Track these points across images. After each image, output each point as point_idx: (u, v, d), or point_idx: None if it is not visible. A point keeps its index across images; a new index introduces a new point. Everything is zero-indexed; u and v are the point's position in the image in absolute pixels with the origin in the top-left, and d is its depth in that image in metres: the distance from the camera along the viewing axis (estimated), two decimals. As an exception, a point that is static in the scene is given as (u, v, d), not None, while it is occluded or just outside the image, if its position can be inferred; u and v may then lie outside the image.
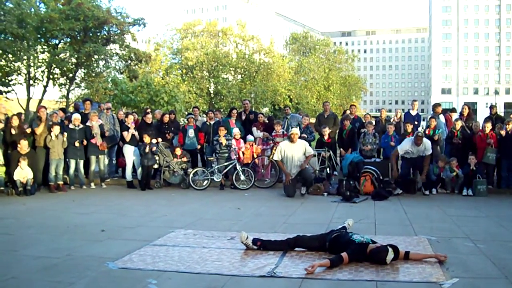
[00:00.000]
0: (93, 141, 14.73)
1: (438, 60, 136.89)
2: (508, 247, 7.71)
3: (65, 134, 14.35)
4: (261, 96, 49.58)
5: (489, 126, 14.30)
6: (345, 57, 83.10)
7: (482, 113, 66.67)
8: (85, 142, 14.58)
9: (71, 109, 22.92)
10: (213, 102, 50.74)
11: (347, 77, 75.33)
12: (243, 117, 17.09)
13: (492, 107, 16.68)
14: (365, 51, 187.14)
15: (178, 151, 15.36)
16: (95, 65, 33.57)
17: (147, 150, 14.65)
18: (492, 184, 14.28)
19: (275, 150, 15.28)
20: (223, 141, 14.89)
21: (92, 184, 15.09)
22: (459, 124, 14.77)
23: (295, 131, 13.07)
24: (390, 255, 6.53)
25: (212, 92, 52.58)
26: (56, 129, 14.10)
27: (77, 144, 14.42)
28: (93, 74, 33.85)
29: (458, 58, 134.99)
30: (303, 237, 7.47)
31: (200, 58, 51.09)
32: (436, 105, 16.79)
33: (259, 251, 7.28)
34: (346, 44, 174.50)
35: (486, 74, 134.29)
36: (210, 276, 6.17)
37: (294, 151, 13.18)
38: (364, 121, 16.25)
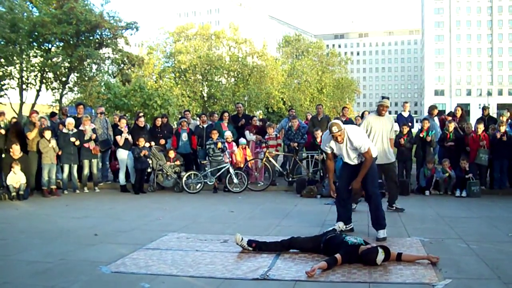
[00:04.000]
0: (86, 145, 14.72)
1: (431, 61, 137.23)
2: (501, 247, 7.74)
3: (55, 139, 14.35)
4: (255, 99, 49.55)
5: (481, 127, 14.36)
6: (338, 60, 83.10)
7: (475, 114, 66.90)
8: (77, 143, 14.52)
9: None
10: (206, 106, 50.70)
11: (340, 79, 75.36)
12: (241, 122, 17.10)
13: (484, 108, 16.74)
14: (358, 54, 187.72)
15: (172, 153, 15.37)
16: (88, 69, 33.56)
17: (142, 154, 14.65)
18: (485, 185, 14.35)
19: (267, 153, 15.35)
20: (219, 144, 14.88)
21: (85, 188, 15.07)
22: (452, 126, 14.81)
23: (386, 102, 10.88)
24: (381, 255, 6.55)
25: (205, 95, 52.54)
26: (47, 134, 14.09)
27: (73, 140, 14.41)
28: (86, 78, 33.84)
29: (451, 60, 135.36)
30: (297, 238, 7.50)
31: (193, 61, 51.04)
32: (432, 107, 16.81)
33: (252, 254, 7.28)
34: (339, 46, 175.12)
35: (478, 76, 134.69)
36: (203, 279, 6.18)
37: (382, 125, 10.83)
38: (355, 123, 16.24)
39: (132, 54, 36.45)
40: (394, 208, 11.04)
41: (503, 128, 14.20)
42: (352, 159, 8.42)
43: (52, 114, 18.28)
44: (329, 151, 8.55)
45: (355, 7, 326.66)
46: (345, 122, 15.96)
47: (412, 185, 14.63)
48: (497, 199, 12.80)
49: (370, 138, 10.16)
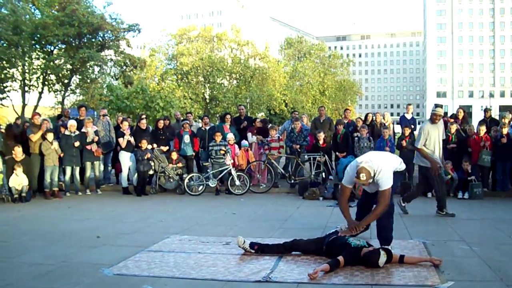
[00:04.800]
0: (88, 147, 14.72)
1: (433, 63, 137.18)
2: (503, 249, 7.74)
3: (57, 141, 14.36)
4: (257, 101, 49.54)
5: (483, 129, 14.39)
6: (340, 62, 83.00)
7: (477, 116, 66.83)
8: (77, 144, 14.51)
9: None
10: (208, 108, 50.70)
11: (342, 81, 75.21)
12: (243, 124, 17.10)
13: (486, 110, 16.75)
14: (360, 55, 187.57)
15: (175, 155, 15.40)
16: (90, 71, 33.56)
17: (145, 157, 14.67)
18: (487, 187, 14.35)
19: (269, 155, 15.34)
20: (222, 151, 14.86)
21: (88, 190, 15.06)
22: (454, 128, 14.82)
23: (440, 111, 10.96)
24: (383, 258, 6.55)
25: (207, 97, 52.54)
26: (49, 136, 14.10)
27: (76, 144, 14.43)
28: (88, 80, 33.86)
29: (453, 62, 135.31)
30: (300, 241, 7.50)
31: (195, 63, 51.03)
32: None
33: (255, 256, 7.28)
34: (341, 48, 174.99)
35: (480, 77, 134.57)
36: (206, 281, 6.18)
37: (438, 132, 10.98)
38: (356, 124, 16.23)
39: (134, 56, 36.43)
40: (444, 213, 10.94)
41: (505, 130, 14.23)
42: (371, 190, 7.79)
43: (59, 117, 18.30)
44: (349, 187, 7.76)
45: (357, 9, 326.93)
46: (347, 124, 16.02)
47: (413, 187, 14.62)
48: (499, 201, 12.79)
49: (427, 145, 10.78)
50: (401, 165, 7.88)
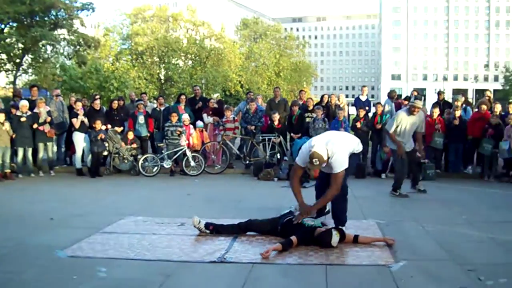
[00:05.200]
0: (41, 128, 14.49)
1: (388, 46, 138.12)
2: (455, 230, 7.90)
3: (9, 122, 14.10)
4: (212, 82, 49.43)
5: (436, 111, 14.60)
6: (296, 43, 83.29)
7: (431, 99, 67.59)
8: (35, 126, 14.31)
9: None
10: (163, 88, 50.40)
11: (298, 62, 75.38)
12: (198, 105, 17.03)
13: (439, 93, 17.03)
14: (316, 37, 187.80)
15: (131, 135, 15.28)
16: (42, 50, 33.10)
17: (99, 137, 14.53)
18: (440, 168, 14.61)
19: (224, 136, 15.35)
20: (178, 131, 14.82)
21: (41, 172, 14.87)
22: (407, 110, 15.02)
23: (418, 103, 10.96)
24: (335, 237, 6.63)
25: (162, 78, 52.22)
26: (1, 117, 13.83)
27: (21, 119, 14.16)
28: (41, 60, 33.37)
29: (408, 45, 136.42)
30: (255, 221, 7.52)
31: (150, 43, 50.63)
32: (393, 91, 17.15)
33: (210, 237, 7.30)
34: (297, 30, 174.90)
35: (434, 61, 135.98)
36: (160, 262, 6.18)
37: (411, 122, 11.12)
38: (308, 105, 16.27)
39: (88, 35, 36.06)
40: (398, 194, 11.17)
41: (458, 113, 14.48)
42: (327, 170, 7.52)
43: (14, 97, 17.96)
44: (303, 166, 7.61)
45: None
46: (303, 105, 16.08)
47: (368, 168, 14.83)
48: (452, 182, 13.02)
49: (398, 132, 10.98)
50: (358, 146, 7.79)
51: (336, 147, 7.15)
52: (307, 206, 7.53)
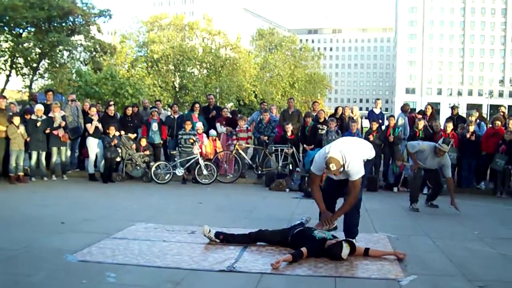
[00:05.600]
0: (55, 132, 14.56)
1: (403, 60, 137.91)
2: (466, 245, 7.86)
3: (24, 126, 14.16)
4: (226, 91, 49.51)
5: (450, 126, 14.55)
6: (311, 55, 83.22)
7: (445, 113, 67.50)
8: (48, 130, 14.37)
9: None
10: (178, 96, 50.52)
11: (312, 74, 75.28)
12: (211, 114, 17.06)
13: (453, 107, 16.96)
14: (331, 49, 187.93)
15: (144, 142, 15.34)
16: (59, 55, 33.27)
17: (113, 143, 14.58)
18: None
19: (237, 145, 15.35)
20: (191, 140, 14.85)
21: (54, 176, 14.92)
22: (421, 124, 14.99)
23: (445, 148, 10.87)
24: (345, 250, 6.61)
25: (177, 86, 52.35)
26: (16, 120, 13.91)
27: (37, 124, 14.20)
28: (57, 65, 33.56)
29: (423, 59, 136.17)
30: (265, 231, 7.51)
31: (166, 51, 50.78)
32: (406, 105, 17.14)
33: (219, 246, 7.29)
34: (312, 41, 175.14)
35: (449, 75, 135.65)
36: (170, 270, 6.17)
37: (434, 162, 11.15)
38: (319, 117, 16.27)
39: (104, 42, 36.22)
40: (429, 204, 11.61)
41: (471, 128, 14.42)
42: (340, 178, 7.51)
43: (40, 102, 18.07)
44: (319, 174, 7.59)
45: (329, 3, 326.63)
46: (316, 117, 16.05)
47: (380, 182, 14.78)
48: (464, 198, 12.90)
49: (419, 158, 11.18)
50: (371, 152, 7.73)
51: (350, 153, 7.13)
52: (329, 214, 7.55)
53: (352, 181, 7.23)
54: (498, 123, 14.55)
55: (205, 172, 14.80)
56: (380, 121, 16.34)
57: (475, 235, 8.70)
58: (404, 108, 16.82)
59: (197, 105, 17.00)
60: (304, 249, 6.62)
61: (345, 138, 8.77)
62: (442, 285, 5.78)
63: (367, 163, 7.58)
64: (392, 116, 15.88)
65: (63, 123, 14.72)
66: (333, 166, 6.90)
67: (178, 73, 51.91)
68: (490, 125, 15.33)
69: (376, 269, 6.37)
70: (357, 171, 7.20)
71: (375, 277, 6.09)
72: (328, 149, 7.21)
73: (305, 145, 15.75)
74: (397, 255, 6.86)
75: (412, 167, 11.38)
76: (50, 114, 14.65)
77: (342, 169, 7.05)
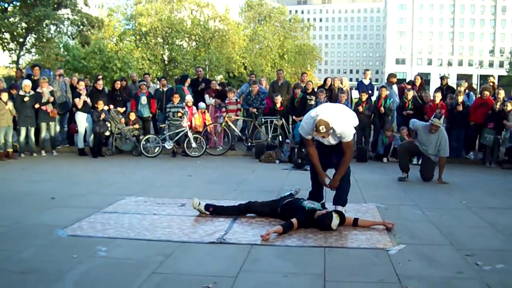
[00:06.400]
0: (43, 108, 14.48)
1: (393, 30, 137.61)
2: (455, 215, 7.95)
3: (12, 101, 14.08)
4: (216, 63, 49.24)
5: (439, 96, 14.61)
6: (301, 26, 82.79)
7: (435, 84, 67.28)
8: (37, 106, 14.29)
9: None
10: (167, 69, 50.25)
11: (302, 45, 74.95)
12: (201, 86, 17.05)
13: (442, 78, 17.00)
14: (320, 20, 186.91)
15: (133, 116, 15.31)
16: (45, 30, 32.99)
17: (100, 117, 14.53)
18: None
19: (227, 118, 15.33)
20: (179, 114, 14.82)
21: (43, 151, 14.88)
22: (410, 94, 15.02)
23: (437, 122, 10.95)
24: (335, 220, 6.65)
25: (166, 59, 52.02)
26: (4, 96, 13.81)
27: (25, 99, 14.13)
28: (44, 40, 33.27)
29: (413, 29, 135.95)
30: (254, 203, 7.57)
31: (154, 24, 50.33)
32: (391, 75, 17.05)
33: (209, 218, 7.33)
34: (302, 12, 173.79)
35: (440, 46, 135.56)
36: (160, 242, 6.20)
37: (427, 139, 11.26)
38: (307, 88, 16.30)
39: (91, 15, 35.95)
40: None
41: (460, 98, 14.46)
42: (330, 143, 7.62)
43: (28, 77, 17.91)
44: (309, 138, 7.59)
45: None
46: (305, 88, 16.04)
47: (369, 152, 14.84)
48: (453, 168, 12.97)
49: (419, 140, 11.41)
50: (355, 120, 7.75)
51: (338, 115, 7.21)
52: (325, 175, 7.68)
53: (346, 143, 7.34)
54: (487, 93, 14.58)
55: (194, 145, 14.80)
56: (370, 92, 16.33)
57: (463, 204, 8.78)
58: (389, 79, 16.80)
59: (188, 80, 17.03)
60: (294, 220, 6.66)
61: (329, 103, 8.84)
62: (431, 254, 5.83)
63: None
64: (384, 86, 15.86)
65: (52, 99, 14.61)
66: (323, 129, 6.93)
67: (167, 46, 51.52)
68: (479, 96, 15.35)
69: (365, 239, 6.42)
70: (349, 133, 7.30)
71: (364, 247, 6.14)
72: (316, 112, 7.20)
73: (294, 117, 15.77)
74: (386, 225, 6.92)
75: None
76: (38, 90, 14.53)
77: (331, 131, 7.10)
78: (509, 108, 13.69)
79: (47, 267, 5.29)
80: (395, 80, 16.72)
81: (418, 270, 5.33)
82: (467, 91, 15.82)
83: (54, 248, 5.98)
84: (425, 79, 18.78)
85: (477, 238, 6.60)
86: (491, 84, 16.26)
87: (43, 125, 14.72)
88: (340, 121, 7.16)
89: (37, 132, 14.89)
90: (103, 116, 14.60)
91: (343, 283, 4.98)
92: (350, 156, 7.56)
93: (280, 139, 15.30)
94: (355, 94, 18.71)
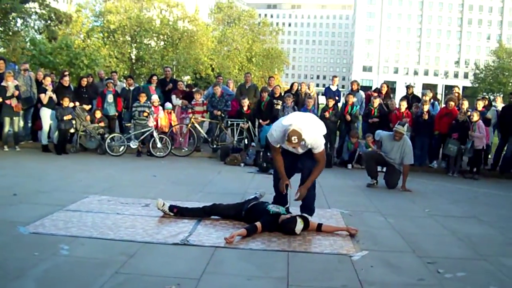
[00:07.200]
0: (8, 102, 14.29)
1: (361, 38, 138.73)
2: (417, 222, 8.07)
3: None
4: (183, 64, 49.11)
5: (404, 104, 14.79)
6: (270, 30, 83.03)
7: (401, 92, 68.16)
8: (0, 100, 14.10)
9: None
10: (134, 68, 49.96)
11: (270, 49, 75.15)
12: (168, 86, 17.00)
13: (408, 87, 17.19)
14: (289, 25, 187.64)
15: (99, 114, 15.18)
16: (12, 23, 32.56)
17: (65, 118, 14.39)
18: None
19: (193, 119, 15.31)
20: (145, 113, 14.74)
21: (5, 146, 14.67)
22: (377, 102, 15.19)
23: (401, 129, 11.25)
24: (299, 225, 6.69)
25: (133, 57, 51.72)
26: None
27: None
28: (10, 33, 32.84)
29: (381, 37, 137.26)
30: (219, 205, 7.55)
31: (122, 22, 50.01)
32: (353, 82, 17.27)
33: (173, 219, 7.30)
34: (272, 16, 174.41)
35: (406, 55, 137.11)
36: (123, 242, 6.16)
37: (392, 148, 11.44)
38: (274, 92, 16.39)
39: (60, 10, 35.62)
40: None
41: (426, 107, 14.64)
42: (298, 152, 7.56)
43: None
44: (277, 146, 7.47)
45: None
46: (272, 92, 16.10)
47: (334, 158, 14.93)
48: (416, 176, 13.12)
49: (384, 151, 11.54)
50: (324, 128, 7.73)
51: (309, 126, 7.21)
52: (287, 180, 7.57)
53: (319, 152, 7.35)
54: (452, 103, 14.80)
55: (159, 145, 14.75)
56: (337, 98, 16.47)
57: (426, 212, 8.91)
58: (352, 86, 17.04)
59: (154, 78, 16.97)
60: (258, 224, 6.67)
61: (300, 112, 8.87)
62: (393, 261, 5.90)
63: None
64: (351, 94, 16.00)
65: (16, 93, 14.43)
66: (295, 139, 6.87)
67: (135, 45, 51.23)
68: (444, 105, 15.57)
69: (328, 244, 6.46)
70: (320, 143, 7.31)
71: (327, 252, 6.18)
72: (288, 121, 7.15)
73: (260, 120, 15.82)
74: (350, 231, 6.97)
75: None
76: (3, 83, 14.34)
77: (303, 142, 7.08)
78: (475, 118, 13.91)
79: (8, 264, 5.22)
80: (356, 86, 16.95)
81: (381, 276, 5.39)
82: (431, 100, 16.02)
83: (15, 245, 5.90)
84: (391, 87, 19.00)
85: (439, 246, 6.68)
86: (456, 94, 16.49)
87: (7, 120, 14.51)
88: (311, 132, 7.17)
89: (0, 126, 14.67)
90: (68, 117, 14.46)
91: (306, 287, 5.01)
92: (322, 166, 7.52)
93: (246, 142, 15.36)
94: (321, 99, 18.84)
